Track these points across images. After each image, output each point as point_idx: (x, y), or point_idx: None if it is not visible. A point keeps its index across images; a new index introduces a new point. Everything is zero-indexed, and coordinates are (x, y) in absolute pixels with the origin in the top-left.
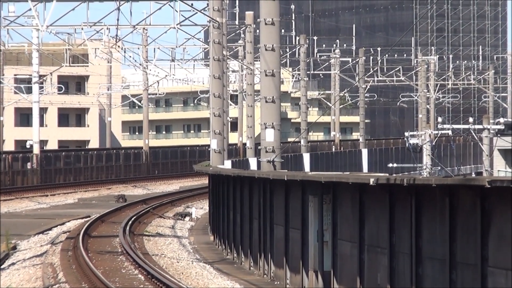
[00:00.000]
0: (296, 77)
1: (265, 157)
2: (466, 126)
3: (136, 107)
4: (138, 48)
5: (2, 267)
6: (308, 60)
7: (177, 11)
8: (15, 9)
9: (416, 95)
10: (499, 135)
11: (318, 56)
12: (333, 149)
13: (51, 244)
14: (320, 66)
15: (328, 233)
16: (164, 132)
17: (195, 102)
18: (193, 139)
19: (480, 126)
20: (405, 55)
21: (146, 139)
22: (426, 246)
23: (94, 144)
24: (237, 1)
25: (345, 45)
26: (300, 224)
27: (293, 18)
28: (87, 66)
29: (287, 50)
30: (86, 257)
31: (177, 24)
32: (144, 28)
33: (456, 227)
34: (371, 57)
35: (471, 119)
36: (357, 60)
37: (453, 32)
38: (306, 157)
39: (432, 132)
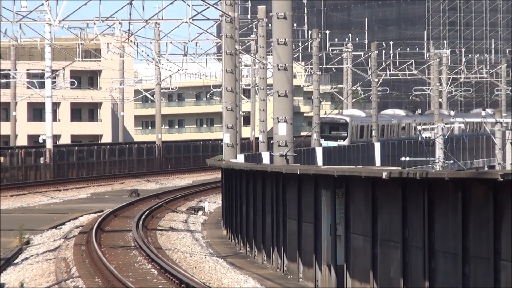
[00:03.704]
0: (308, 71)
1: (278, 151)
2: (478, 119)
3: (149, 102)
4: (151, 43)
5: (15, 261)
6: (320, 54)
7: (189, 6)
8: (28, 4)
9: (428, 89)
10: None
11: (330, 50)
12: None
13: (64, 239)
14: (332, 60)
15: (341, 227)
16: (177, 127)
17: (208, 96)
18: (206, 134)
19: (492, 119)
20: (417, 48)
21: (159, 133)
22: (438, 240)
23: (106, 138)
24: None
25: (357, 39)
26: (313, 218)
27: (305, 12)
28: (100, 60)
29: (300, 44)
30: (99, 252)
31: (189, 19)
32: (156, 23)
33: (469, 220)
34: (384, 51)
35: (483, 112)
36: (369, 54)
37: (465, 26)
38: (319, 151)
39: (444, 126)
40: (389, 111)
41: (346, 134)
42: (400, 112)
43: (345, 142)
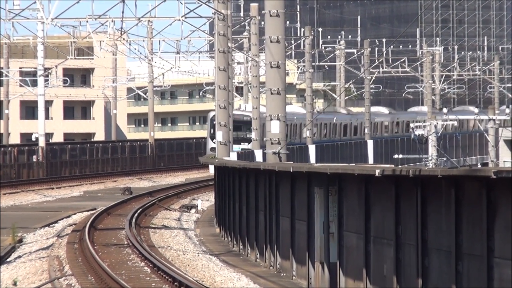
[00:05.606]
0: (301, 69)
1: (270, 149)
2: (471, 117)
3: (142, 100)
4: (143, 41)
5: (8, 260)
6: (313, 52)
7: (182, 3)
8: (20, 2)
9: (421, 86)
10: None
11: (323, 47)
12: None
13: (57, 237)
14: (325, 58)
15: (334, 225)
16: (169, 125)
17: (201, 94)
18: (199, 131)
19: (485, 116)
20: (410, 46)
21: (151, 131)
22: (432, 237)
23: (99, 136)
24: None
25: (350, 36)
26: (306, 216)
27: (298, 9)
28: (92, 58)
29: (292, 41)
30: (92, 250)
31: (182, 16)
32: (149, 21)
33: (462, 218)
34: (376, 48)
35: (476, 110)
36: (362, 51)
37: (458, 23)
38: (312, 149)
39: (437, 123)
40: (292, 108)
41: (253, 136)
42: (301, 110)
43: (250, 146)
